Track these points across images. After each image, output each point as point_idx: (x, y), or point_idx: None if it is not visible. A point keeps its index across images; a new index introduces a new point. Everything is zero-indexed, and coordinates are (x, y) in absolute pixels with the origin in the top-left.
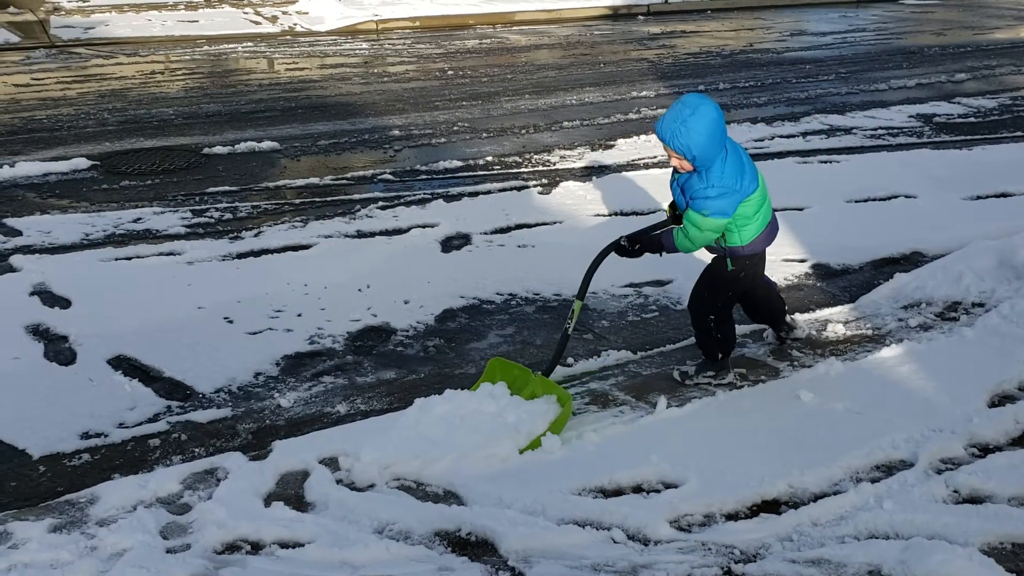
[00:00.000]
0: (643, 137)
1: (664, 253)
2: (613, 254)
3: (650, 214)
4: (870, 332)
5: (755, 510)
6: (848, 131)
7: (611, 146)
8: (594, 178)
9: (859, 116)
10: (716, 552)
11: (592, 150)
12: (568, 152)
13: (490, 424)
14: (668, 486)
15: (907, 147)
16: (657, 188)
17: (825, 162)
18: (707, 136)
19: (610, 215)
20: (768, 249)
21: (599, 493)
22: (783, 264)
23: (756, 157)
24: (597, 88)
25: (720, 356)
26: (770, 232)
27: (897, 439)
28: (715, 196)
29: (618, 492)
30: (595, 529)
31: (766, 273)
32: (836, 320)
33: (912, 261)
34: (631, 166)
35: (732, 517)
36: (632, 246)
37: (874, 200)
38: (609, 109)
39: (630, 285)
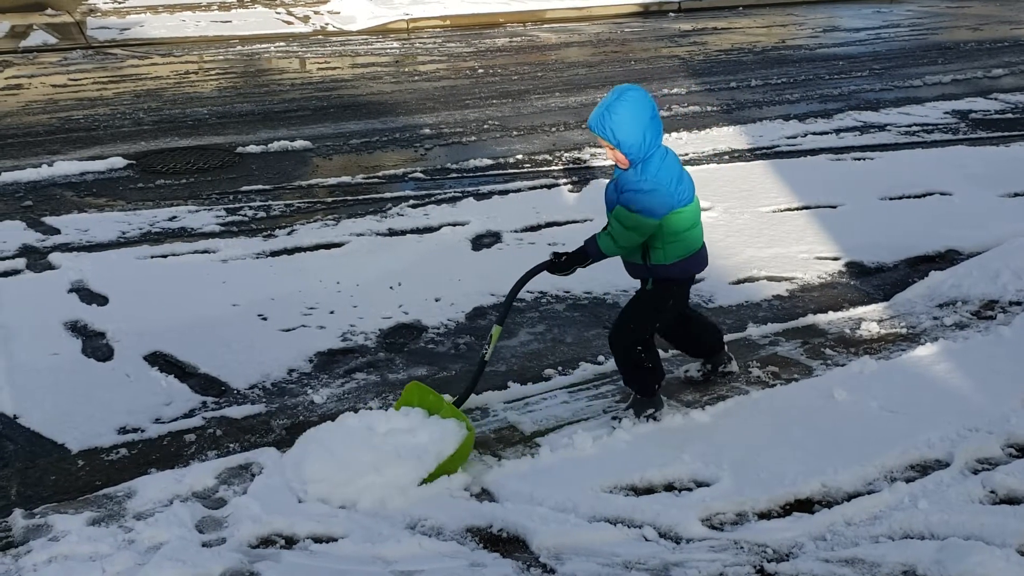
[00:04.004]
0: (674, 135)
1: (591, 262)
2: (543, 273)
3: None
4: (905, 331)
5: (788, 509)
6: (882, 128)
7: None
8: None
9: (893, 113)
10: (748, 551)
11: None
12: (599, 150)
13: (396, 447)
14: (700, 484)
15: (942, 144)
16: None
17: (859, 159)
18: (632, 120)
19: None
20: (800, 247)
21: (630, 491)
22: (816, 262)
23: (789, 154)
24: None
25: (656, 388)
26: (697, 260)
27: (932, 438)
28: (647, 190)
29: (649, 490)
30: (626, 527)
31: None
32: (870, 318)
33: (947, 259)
34: None
35: (765, 516)
36: (558, 258)
37: (908, 197)
38: None
39: None
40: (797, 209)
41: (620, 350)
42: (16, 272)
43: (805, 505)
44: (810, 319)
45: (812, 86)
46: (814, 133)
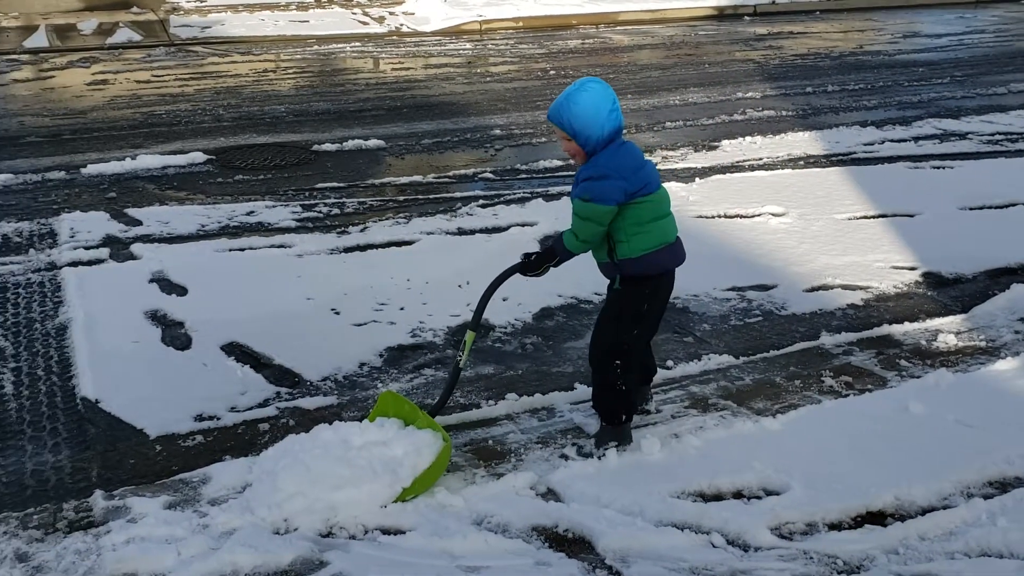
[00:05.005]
0: (748, 138)
1: (559, 261)
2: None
3: (754, 217)
4: (983, 344)
5: (859, 521)
6: (963, 136)
7: (715, 147)
8: (697, 179)
9: (975, 121)
10: (818, 561)
11: (695, 151)
12: (670, 152)
13: (371, 460)
14: (770, 493)
15: None
16: (762, 190)
17: (938, 168)
18: (590, 111)
19: (712, 217)
20: (876, 255)
21: (698, 497)
22: (892, 271)
23: (865, 161)
24: (701, 89)
25: (624, 419)
26: (667, 254)
27: (1011, 455)
28: (598, 177)
29: (718, 497)
30: (694, 532)
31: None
32: (947, 330)
33: None
34: (735, 167)
35: (835, 527)
36: (528, 258)
37: (990, 208)
38: (713, 110)
39: (733, 288)
40: (873, 217)
41: (595, 361)
42: (100, 262)
43: (877, 517)
44: (885, 329)
45: (890, 93)
46: (892, 140)
